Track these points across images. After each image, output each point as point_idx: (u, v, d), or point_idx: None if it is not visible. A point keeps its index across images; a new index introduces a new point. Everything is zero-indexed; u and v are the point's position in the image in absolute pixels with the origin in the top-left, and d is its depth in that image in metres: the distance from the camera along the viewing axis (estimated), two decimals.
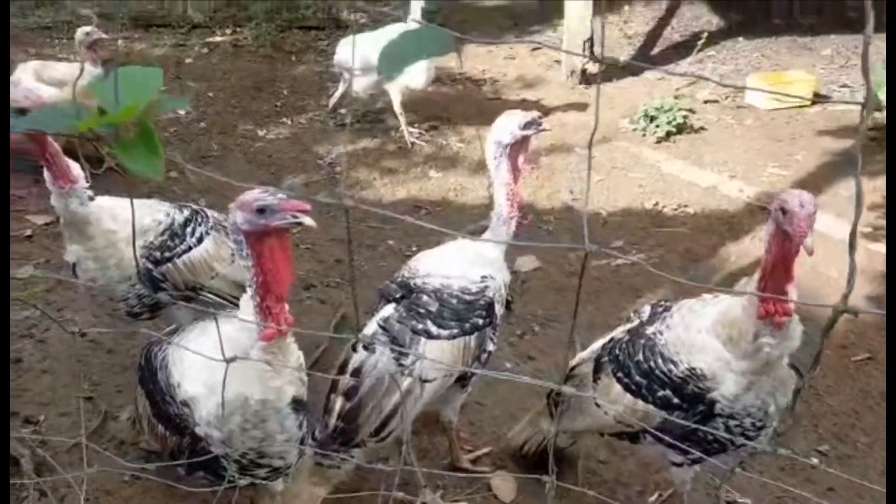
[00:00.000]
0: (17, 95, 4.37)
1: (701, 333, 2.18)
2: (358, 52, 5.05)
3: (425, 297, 2.46)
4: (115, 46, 4.64)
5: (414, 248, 4.27)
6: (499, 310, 2.56)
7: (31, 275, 3.90)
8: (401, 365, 2.41)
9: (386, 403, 2.40)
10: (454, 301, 2.45)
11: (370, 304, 3.79)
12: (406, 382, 2.41)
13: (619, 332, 2.45)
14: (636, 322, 2.42)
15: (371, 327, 2.50)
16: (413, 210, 4.63)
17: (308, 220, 1.82)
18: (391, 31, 5.05)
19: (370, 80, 5.10)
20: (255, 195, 1.83)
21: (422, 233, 4.36)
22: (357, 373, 2.43)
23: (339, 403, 2.42)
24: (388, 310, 2.50)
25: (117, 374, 3.25)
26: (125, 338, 3.50)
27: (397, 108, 5.18)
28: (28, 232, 4.19)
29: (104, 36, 4.41)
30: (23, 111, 2.60)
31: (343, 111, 5.60)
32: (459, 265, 2.53)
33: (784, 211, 1.86)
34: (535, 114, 2.52)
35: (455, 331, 2.44)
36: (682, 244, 4.23)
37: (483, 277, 2.51)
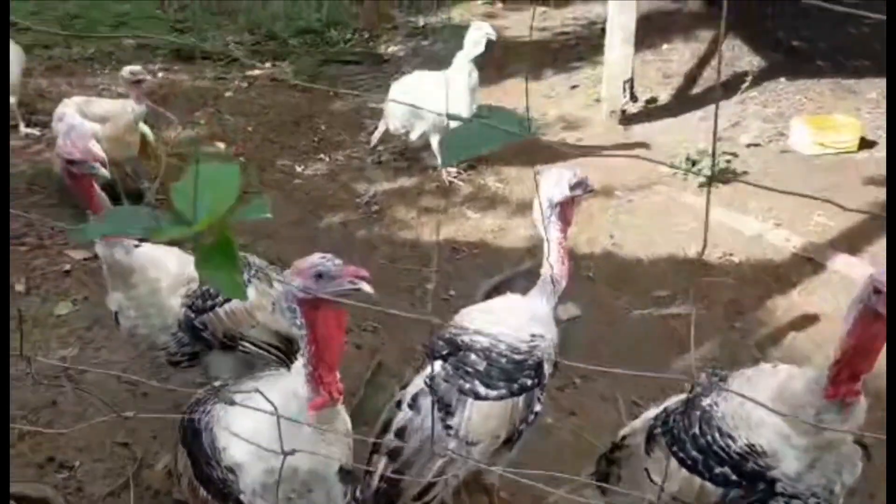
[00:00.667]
0: (60, 129, 4.44)
1: (759, 408, 2.09)
2: (404, 96, 5.05)
3: (473, 356, 2.41)
4: (156, 79, 4.66)
5: (452, 293, 4.22)
6: (547, 369, 2.49)
7: (70, 311, 3.90)
8: (447, 426, 2.36)
9: (430, 467, 2.34)
10: (503, 360, 2.40)
11: (407, 347, 3.77)
12: (452, 445, 2.34)
13: (672, 401, 2.37)
14: (690, 392, 2.33)
15: (415, 385, 2.45)
16: (451, 252, 4.57)
17: (366, 287, 1.79)
18: (436, 77, 5.07)
19: (411, 123, 5.09)
20: (313, 261, 1.80)
21: (461, 277, 4.31)
22: (401, 433, 2.38)
23: (382, 464, 2.37)
24: (435, 367, 2.45)
25: (154, 420, 3.21)
26: (161, 381, 3.47)
27: (436, 147, 5.15)
28: (67, 267, 4.19)
29: (148, 77, 4.44)
30: (71, 162, 2.59)
31: (381, 148, 5.58)
32: (508, 323, 2.48)
33: (878, 291, 1.77)
34: (583, 175, 2.47)
35: (503, 392, 2.38)
36: (727, 295, 4.13)
37: (532, 336, 2.45)
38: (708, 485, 2.12)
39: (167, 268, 2.71)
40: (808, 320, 3.86)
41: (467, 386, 2.36)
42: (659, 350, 3.76)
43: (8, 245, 3.98)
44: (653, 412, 2.40)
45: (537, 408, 2.48)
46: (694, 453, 2.15)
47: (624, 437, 2.46)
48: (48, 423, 3.20)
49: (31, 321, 3.81)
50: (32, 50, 6.50)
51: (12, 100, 5.26)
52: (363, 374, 3.50)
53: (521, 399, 2.40)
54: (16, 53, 5.24)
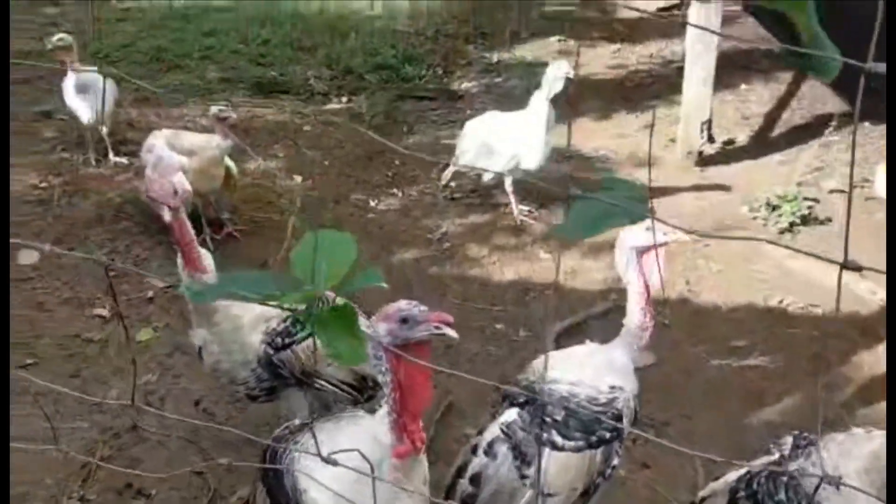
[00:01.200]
0: (149, 160, 4.62)
1: (850, 477, 2.00)
2: (478, 134, 5.09)
3: (551, 405, 2.38)
4: (238, 113, 4.82)
5: (522, 334, 4.19)
6: (626, 423, 2.44)
7: (153, 337, 4.02)
8: (523, 476, 2.34)
9: None
10: (581, 411, 2.36)
11: (478, 390, 3.74)
12: (527, 496, 2.32)
13: (757, 464, 2.29)
14: (776, 455, 2.25)
15: (492, 432, 2.44)
16: (522, 293, 4.55)
17: (451, 332, 1.81)
18: (512, 116, 5.09)
19: (485, 163, 5.11)
20: (399, 306, 1.83)
21: (532, 317, 4.28)
22: (476, 480, 2.37)
23: None
24: (512, 414, 2.44)
25: (228, 451, 3.26)
26: (237, 410, 3.54)
27: (508, 186, 5.16)
28: (150, 294, 4.32)
29: (233, 115, 4.59)
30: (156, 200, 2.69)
31: (453, 184, 5.61)
32: (588, 372, 2.45)
33: None
34: (668, 229, 2.44)
35: (581, 443, 2.36)
36: (809, 348, 3.98)
37: (612, 388, 2.42)
38: None
39: (249, 305, 2.77)
40: None
41: (545, 436, 2.34)
42: (736, 403, 3.65)
43: (8, 246, 4.12)
44: (734, 474, 2.32)
45: (615, 461, 2.44)
46: None
47: (703, 500, 2.38)
48: (128, 448, 3.29)
49: (113, 347, 3.94)
50: (123, 82, 6.79)
51: (104, 130, 5.50)
52: (433, 415, 3.50)
53: (599, 452, 2.37)
54: (109, 85, 5.49)
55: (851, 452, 2.05)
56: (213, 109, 4.48)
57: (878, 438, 2.05)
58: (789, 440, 2.25)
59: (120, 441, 3.32)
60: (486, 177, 5.20)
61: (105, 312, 4.18)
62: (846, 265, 0.91)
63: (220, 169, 4.62)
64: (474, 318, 4.25)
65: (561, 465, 2.33)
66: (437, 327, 1.82)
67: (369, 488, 1.84)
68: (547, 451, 2.33)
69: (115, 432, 3.34)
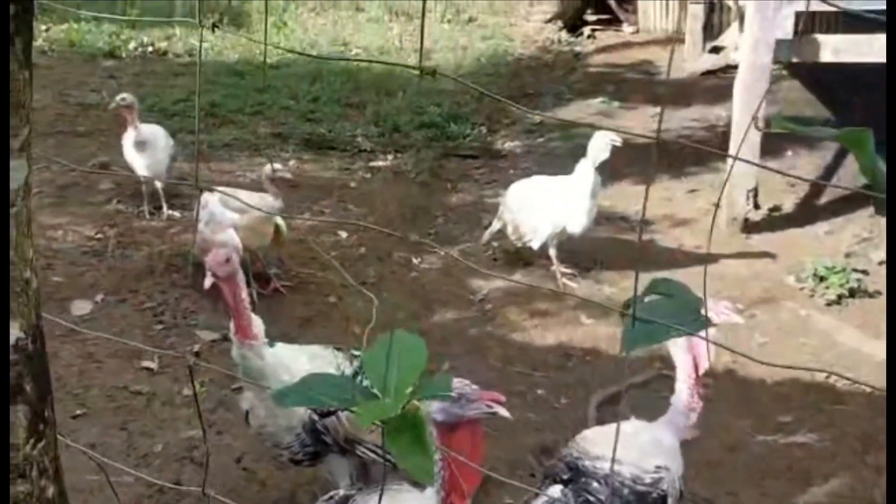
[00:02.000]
0: (203, 216, 4.75)
1: None
2: (524, 196, 5.14)
3: (595, 483, 2.38)
4: (290, 174, 4.96)
5: (563, 401, 4.17)
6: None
7: (199, 391, 4.08)
8: None
9: None
10: (626, 491, 2.36)
11: (517, 458, 3.72)
12: None
13: None
14: None
15: None
16: (563, 358, 4.54)
17: (503, 412, 1.83)
18: (558, 182, 5.15)
19: (532, 229, 5.15)
20: (453, 385, 1.85)
21: (573, 385, 4.26)
22: None
23: None
24: (556, 491, 2.43)
25: None
26: (278, 469, 3.56)
27: (552, 249, 5.19)
28: (196, 348, 4.41)
29: (289, 176, 4.73)
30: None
31: (496, 244, 5.66)
32: (632, 451, 2.44)
33: None
34: (727, 305, 2.45)
35: None
36: (858, 426, 3.89)
37: (658, 468, 2.41)
38: None
39: (297, 369, 2.81)
40: None
41: None
42: (783, 481, 3.57)
43: (8, 252, 4.22)
44: None
45: None
46: None
47: None
48: (172, 502, 3.33)
49: (159, 400, 4.01)
50: (177, 135, 7.03)
51: (158, 185, 5.68)
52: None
53: None
54: (166, 142, 5.69)
55: None
56: (267, 169, 4.61)
57: None
58: None
59: (164, 497, 3.35)
60: (535, 243, 5.21)
61: (153, 365, 4.26)
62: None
63: (270, 227, 4.74)
64: (515, 383, 4.24)
65: None
66: (488, 405, 1.84)
67: None
68: None
69: (159, 488, 3.37)
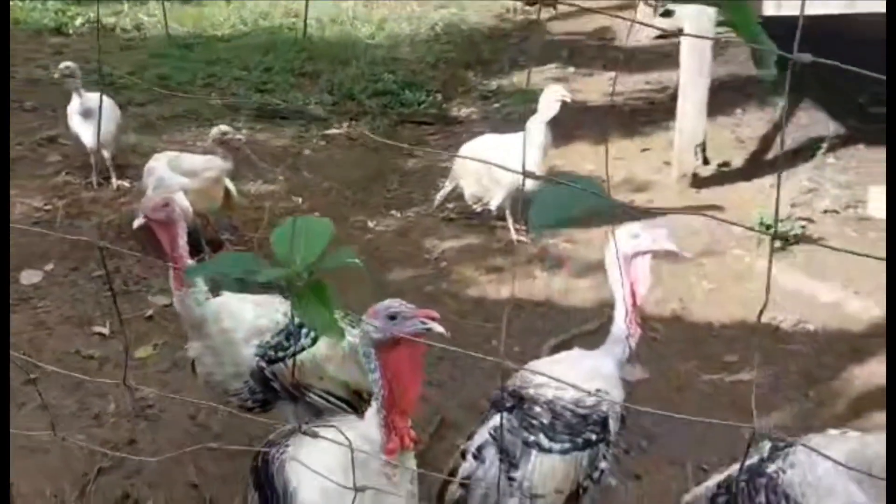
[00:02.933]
0: (150, 182, 4.71)
1: (829, 474, 2.04)
2: (476, 156, 5.15)
3: (538, 408, 2.44)
4: (241, 136, 4.92)
5: (516, 349, 4.23)
6: (613, 426, 2.48)
7: (150, 355, 4.07)
8: (510, 478, 2.37)
9: None
10: (567, 414, 2.42)
11: (471, 402, 3.78)
12: (515, 498, 2.35)
13: (735, 468, 2.32)
14: (755, 459, 2.28)
15: (481, 436, 2.48)
16: (516, 309, 4.60)
17: (438, 328, 1.85)
18: (509, 138, 5.18)
19: (486, 188, 5.18)
20: (387, 304, 1.88)
21: (525, 333, 4.32)
22: (465, 483, 2.40)
23: None
24: (499, 419, 2.47)
25: (224, 462, 3.30)
26: (233, 421, 3.57)
27: (505, 206, 5.23)
28: (149, 312, 4.39)
29: (239, 137, 4.70)
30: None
31: (451, 206, 5.69)
32: (574, 377, 2.49)
33: None
34: (662, 229, 2.50)
35: (567, 445, 2.40)
36: (800, 364, 4.02)
37: (598, 391, 2.46)
38: None
39: (242, 317, 2.82)
40: (885, 394, 3.72)
41: (532, 438, 2.39)
42: (728, 416, 3.67)
43: (8, 248, 4.18)
44: (714, 480, 2.36)
45: (603, 465, 2.47)
46: None
47: None
48: (126, 460, 3.32)
49: (112, 363, 3.99)
50: (128, 108, 6.92)
51: (106, 154, 5.60)
52: (426, 428, 3.53)
53: (585, 454, 2.41)
54: (112, 111, 5.60)
55: (828, 451, 2.08)
56: (214, 132, 4.57)
57: (854, 439, 2.09)
58: (767, 444, 2.28)
59: (118, 453, 3.35)
60: (493, 203, 5.25)
61: (104, 330, 4.23)
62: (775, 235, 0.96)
63: (220, 190, 4.71)
64: (469, 334, 4.29)
65: (547, 467, 2.37)
66: (423, 322, 1.86)
67: (358, 483, 1.89)
68: (534, 453, 2.37)
69: (114, 444, 3.37)
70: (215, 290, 2.83)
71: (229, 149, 4.63)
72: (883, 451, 1.93)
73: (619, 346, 2.49)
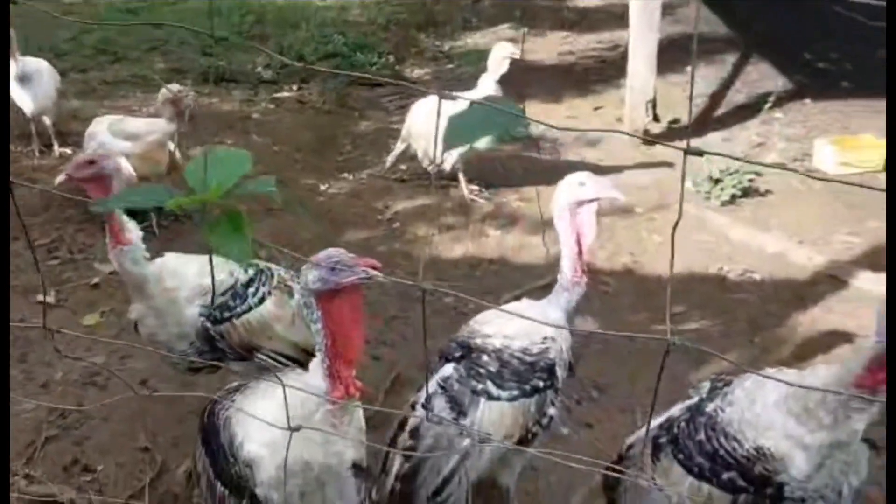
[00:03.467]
0: (91, 147, 4.58)
1: (767, 409, 2.09)
2: (428, 116, 5.12)
3: (485, 357, 2.45)
4: (191, 99, 4.79)
5: (471, 307, 4.24)
6: (560, 373, 2.51)
7: (97, 322, 4.00)
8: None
9: (444, 465, 2.37)
10: (515, 362, 2.43)
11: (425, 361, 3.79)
12: (464, 444, 2.37)
13: (676, 409, 2.35)
14: (695, 399, 2.32)
15: (430, 387, 2.48)
16: (470, 268, 4.61)
17: (379, 276, 1.84)
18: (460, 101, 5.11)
19: (431, 145, 5.13)
20: (328, 253, 1.85)
21: (477, 291, 4.33)
22: (415, 432, 2.41)
23: (397, 464, 2.40)
24: (448, 369, 2.49)
25: (175, 425, 3.27)
26: (184, 388, 3.53)
27: (458, 165, 5.21)
28: (95, 280, 4.30)
29: (191, 94, 4.57)
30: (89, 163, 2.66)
31: (403, 167, 5.65)
32: (521, 326, 2.50)
33: None
34: (599, 181, 2.50)
35: (515, 392, 2.42)
36: (747, 312, 4.10)
37: (544, 339, 2.48)
38: (716, 491, 2.11)
39: (185, 277, 2.75)
40: (829, 336, 3.82)
41: (479, 386, 2.40)
42: (674, 363, 3.73)
43: (8, 245, 4.09)
44: (656, 421, 2.38)
45: (551, 411, 2.50)
46: (700, 460, 2.14)
47: (629, 447, 2.45)
48: (74, 427, 3.28)
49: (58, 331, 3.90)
50: (68, 73, 6.71)
51: (47, 121, 5.44)
52: (382, 386, 3.54)
53: (532, 401, 2.43)
54: (51, 76, 5.41)
55: (766, 386, 2.13)
56: (164, 91, 4.44)
57: (791, 374, 2.14)
58: (706, 384, 2.33)
59: (65, 421, 3.30)
60: (447, 164, 5.22)
61: (50, 299, 4.14)
62: (689, 150, 0.97)
63: (164, 154, 4.60)
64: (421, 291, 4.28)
65: (495, 414, 2.38)
66: (365, 271, 1.84)
67: (304, 439, 1.88)
68: (482, 401, 2.39)
69: (61, 412, 3.31)
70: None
71: (177, 111, 4.50)
72: (817, 384, 1.98)
73: (566, 295, 2.50)
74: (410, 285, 1.05)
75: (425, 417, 2.37)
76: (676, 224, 1.08)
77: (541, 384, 2.42)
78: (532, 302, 2.61)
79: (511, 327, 2.49)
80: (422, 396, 2.48)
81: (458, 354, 2.49)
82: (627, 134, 6.22)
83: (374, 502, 2.36)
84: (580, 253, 2.51)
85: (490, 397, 2.39)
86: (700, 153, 1.00)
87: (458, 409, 2.39)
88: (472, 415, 2.38)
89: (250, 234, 0.99)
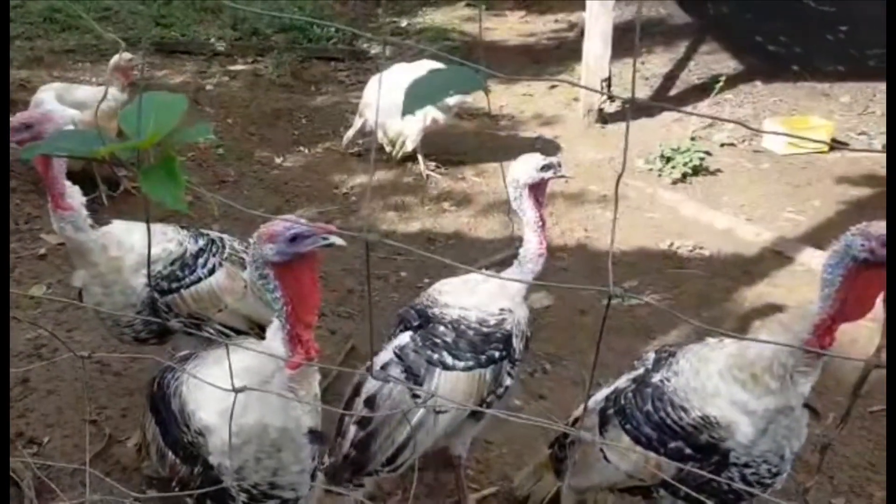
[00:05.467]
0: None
1: (712, 378, 2.13)
2: (386, 93, 5.05)
3: (442, 328, 2.47)
4: (137, 72, 4.67)
5: (426, 281, 4.24)
6: (517, 344, 2.53)
7: (43, 294, 3.91)
8: (415, 396, 2.40)
9: (399, 433, 2.39)
10: (471, 332, 2.45)
11: (381, 335, 3.79)
12: (419, 413, 2.39)
13: (622, 381, 2.39)
14: (641, 370, 2.36)
15: (386, 355, 2.49)
16: (427, 243, 4.62)
17: (338, 241, 1.81)
18: (415, 68, 5.08)
19: (395, 121, 5.10)
20: (284, 225, 1.81)
21: (435, 266, 4.34)
22: (371, 401, 2.42)
23: (352, 431, 2.41)
24: (405, 338, 2.51)
25: (123, 398, 3.23)
26: (132, 360, 3.48)
27: (416, 141, 5.20)
28: (42, 251, 4.20)
29: (138, 64, 4.45)
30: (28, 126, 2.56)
31: (360, 142, 5.61)
32: (479, 297, 2.53)
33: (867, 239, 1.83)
34: (554, 158, 2.54)
35: (470, 363, 2.44)
36: (696, 286, 4.19)
37: (501, 310, 2.51)
38: (663, 460, 2.15)
39: (131, 246, 2.67)
40: (773, 310, 3.93)
41: (435, 356, 2.42)
42: (628, 338, 3.81)
43: (8, 242, 3.98)
44: (603, 393, 2.42)
45: (507, 382, 2.52)
46: (647, 430, 2.18)
47: (577, 420, 2.48)
48: (19, 399, 3.21)
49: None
50: (14, 42, 6.51)
51: None
52: (336, 358, 3.53)
53: (488, 371, 2.45)
54: None
55: (710, 357, 2.18)
56: (115, 58, 4.32)
57: (732, 344, 2.18)
58: (651, 356, 2.37)
59: (11, 393, 3.22)
60: (409, 144, 5.19)
61: None
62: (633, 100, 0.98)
63: (114, 123, 4.47)
64: (379, 268, 4.29)
65: (451, 384, 2.40)
66: (324, 238, 1.82)
67: (262, 403, 1.88)
68: (437, 370, 2.40)
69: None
70: None
71: (128, 81, 4.40)
72: (762, 352, 2.03)
73: (530, 266, 2.53)
74: (356, 236, 1.04)
75: (383, 378, 2.37)
76: (619, 177, 1.09)
77: (496, 354, 2.45)
78: (491, 273, 2.62)
79: (470, 298, 2.51)
80: (378, 364, 2.47)
81: (415, 323, 2.50)
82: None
83: (329, 467, 2.37)
84: (543, 226, 2.55)
85: (445, 367, 2.40)
86: (649, 105, 1.01)
87: (414, 378, 2.39)
88: (427, 384, 2.38)
89: (184, 181, 0.98)
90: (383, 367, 2.46)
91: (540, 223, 2.54)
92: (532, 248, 2.53)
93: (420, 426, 2.39)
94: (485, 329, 2.46)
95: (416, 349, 2.44)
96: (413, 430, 2.38)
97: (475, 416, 2.52)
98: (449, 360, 2.42)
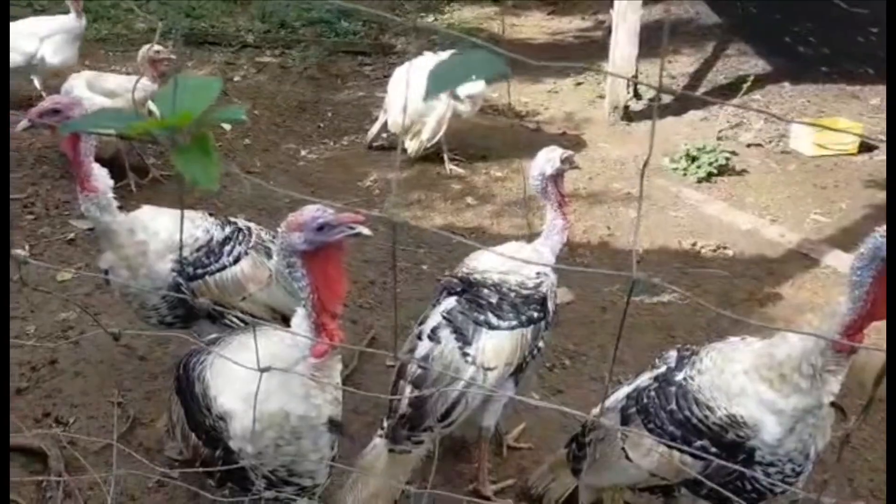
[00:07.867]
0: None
1: (738, 377, 2.11)
2: (412, 89, 5.08)
3: (486, 290, 2.60)
4: (167, 62, 4.72)
5: (447, 273, 4.27)
6: (551, 306, 2.67)
7: (72, 277, 3.97)
8: (465, 355, 2.48)
9: (451, 391, 2.49)
10: (512, 294, 2.59)
11: (403, 325, 3.82)
12: (470, 371, 2.48)
13: (644, 379, 2.38)
14: (662, 368, 2.36)
15: (435, 318, 2.60)
16: (448, 235, 4.62)
17: (365, 230, 1.84)
18: (437, 58, 5.08)
19: (421, 111, 5.11)
20: (312, 214, 1.84)
21: (456, 259, 4.36)
22: (425, 360, 2.50)
23: (408, 390, 2.51)
24: (451, 302, 2.63)
25: (148, 381, 3.28)
26: (158, 345, 3.54)
27: (439, 134, 5.21)
28: (71, 236, 4.27)
29: (171, 57, 4.51)
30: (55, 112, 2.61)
31: (384, 135, 5.64)
32: (514, 263, 2.66)
33: None
34: (570, 151, 2.71)
35: (513, 322, 2.56)
36: (719, 286, 4.17)
37: (538, 274, 2.65)
38: (687, 459, 2.14)
39: (156, 231, 2.71)
40: (797, 311, 3.90)
41: (481, 318, 2.54)
42: (647, 335, 3.80)
43: (8, 236, 4.04)
44: (624, 391, 2.42)
45: (541, 343, 2.65)
46: (672, 428, 2.17)
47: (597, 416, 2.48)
48: (46, 380, 3.27)
49: (32, 285, 3.87)
50: None
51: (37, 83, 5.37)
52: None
53: (528, 330, 2.58)
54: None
55: (734, 356, 2.17)
56: (145, 49, 4.38)
57: (757, 342, 2.18)
58: (673, 354, 2.36)
59: (37, 374, 3.29)
60: (424, 133, 5.21)
61: (24, 253, 4.10)
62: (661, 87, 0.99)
63: (144, 112, 4.54)
64: (401, 259, 4.31)
65: (497, 343, 2.51)
66: (350, 227, 1.85)
67: (284, 389, 1.90)
68: (484, 330, 2.51)
69: (33, 366, 3.31)
70: None
71: (157, 71, 4.45)
72: (792, 352, 2.02)
73: (557, 238, 2.69)
74: (382, 217, 1.05)
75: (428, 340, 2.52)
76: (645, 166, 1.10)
77: (535, 315, 2.58)
78: (524, 244, 2.75)
79: (506, 265, 2.61)
80: (427, 327, 2.56)
81: (459, 289, 2.61)
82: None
83: (387, 428, 2.48)
84: (564, 204, 2.69)
85: (491, 327, 2.52)
86: (672, 92, 1.02)
87: (463, 339, 2.50)
88: (475, 344, 2.50)
89: (218, 159, 1.00)
90: (433, 330, 2.56)
91: (561, 200, 2.71)
92: (557, 223, 2.70)
93: (471, 384, 2.49)
94: (524, 291, 2.59)
95: (463, 311, 2.57)
96: (464, 388, 2.48)
97: (517, 372, 2.61)
98: (494, 320, 2.55)
